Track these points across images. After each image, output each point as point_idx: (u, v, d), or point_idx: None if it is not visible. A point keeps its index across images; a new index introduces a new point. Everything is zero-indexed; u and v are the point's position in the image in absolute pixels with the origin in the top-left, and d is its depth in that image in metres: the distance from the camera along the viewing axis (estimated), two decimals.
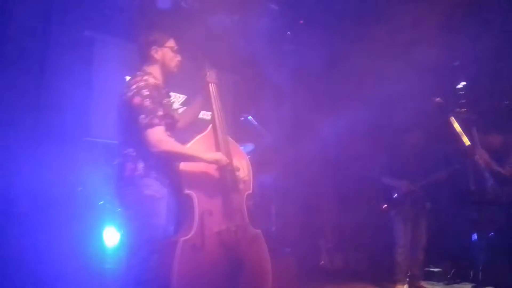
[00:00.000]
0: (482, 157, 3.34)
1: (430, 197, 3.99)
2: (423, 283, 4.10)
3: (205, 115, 3.28)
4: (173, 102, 2.66)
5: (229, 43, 4.76)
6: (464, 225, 3.77)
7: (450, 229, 4.03)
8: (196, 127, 2.79)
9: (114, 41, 4.73)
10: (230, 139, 2.73)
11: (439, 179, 3.93)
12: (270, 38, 4.92)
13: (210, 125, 2.68)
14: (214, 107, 2.67)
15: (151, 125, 2.26)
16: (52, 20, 4.15)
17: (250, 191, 2.76)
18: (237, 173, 2.63)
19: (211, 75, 2.70)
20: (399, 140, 4.06)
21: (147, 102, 2.28)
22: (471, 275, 3.88)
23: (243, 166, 2.70)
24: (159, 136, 2.28)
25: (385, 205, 4.02)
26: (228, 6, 4.47)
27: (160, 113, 2.31)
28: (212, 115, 2.68)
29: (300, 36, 4.95)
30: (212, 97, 2.67)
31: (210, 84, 2.69)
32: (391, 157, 4.07)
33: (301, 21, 4.88)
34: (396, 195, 3.97)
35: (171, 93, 3.02)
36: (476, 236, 3.39)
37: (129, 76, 4.62)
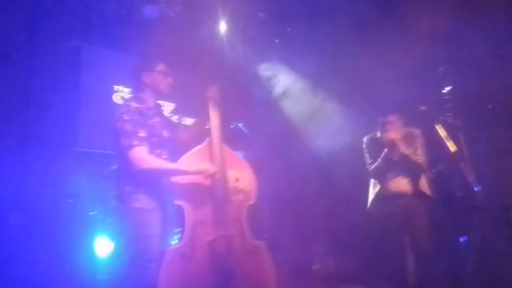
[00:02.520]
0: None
1: None
2: None
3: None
4: (157, 116, 2.69)
5: (217, 50, 4.78)
6: (451, 230, 3.79)
7: (438, 234, 4.04)
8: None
9: (101, 51, 4.72)
10: (229, 150, 2.80)
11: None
12: (258, 46, 4.96)
13: (207, 138, 2.75)
14: (212, 121, 2.76)
15: (131, 146, 2.43)
16: (38, 30, 4.13)
17: (252, 202, 2.78)
18: (236, 184, 2.69)
19: (211, 90, 2.81)
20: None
21: (127, 126, 2.45)
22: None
23: (243, 177, 2.76)
24: (139, 156, 2.43)
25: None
26: (215, 14, 4.49)
27: (142, 134, 2.47)
28: (210, 129, 2.76)
29: (288, 43, 4.99)
30: (211, 112, 2.77)
31: (209, 99, 2.79)
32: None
33: (288, 29, 4.91)
34: None
35: (161, 102, 3.06)
36: (463, 240, 3.42)
37: (117, 85, 4.76)
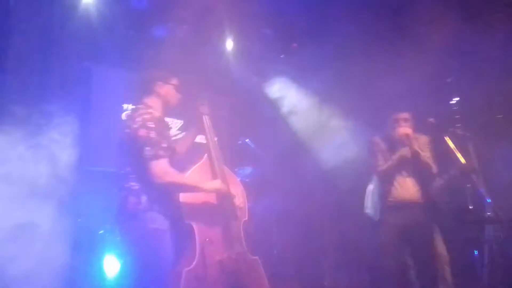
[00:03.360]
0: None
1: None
2: None
3: (201, 139, 3.35)
4: (171, 128, 2.70)
5: (224, 67, 4.84)
6: (464, 243, 3.70)
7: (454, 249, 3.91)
8: (195, 152, 2.83)
9: (112, 71, 4.80)
10: (225, 167, 2.77)
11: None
12: (264, 62, 5.00)
13: (206, 155, 2.73)
14: (208, 137, 2.73)
15: (156, 157, 2.29)
16: (50, 51, 4.21)
17: (246, 218, 2.77)
18: (234, 201, 2.67)
19: (203, 107, 2.77)
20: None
21: (153, 134, 2.31)
22: None
23: (238, 194, 2.73)
24: (164, 168, 2.31)
25: None
26: (221, 32, 4.56)
27: (165, 145, 2.34)
28: (207, 146, 2.73)
29: (294, 59, 5.02)
30: (206, 128, 2.74)
31: (203, 116, 2.76)
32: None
33: (295, 44, 4.96)
34: None
35: (168, 119, 3.08)
36: (477, 253, 3.35)
37: (127, 104, 4.82)
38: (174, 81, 2.61)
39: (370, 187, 3.51)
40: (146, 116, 2.35)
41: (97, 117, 4.57)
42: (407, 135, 3.22)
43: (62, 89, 4.16)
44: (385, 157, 3.36)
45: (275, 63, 5.08)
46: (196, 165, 2.67)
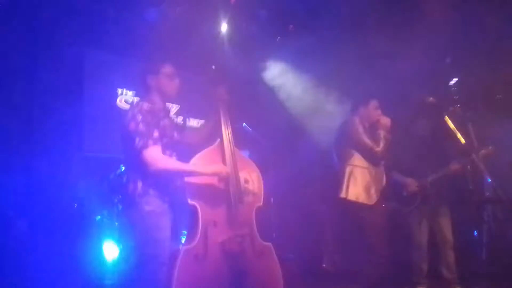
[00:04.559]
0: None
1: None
2: None
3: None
4: (168, 115, 2.69)
5: (219, 50, 4.76)
6: (463, 224, 3.67)
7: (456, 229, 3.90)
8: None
9: (104, 54, 4.72)
10: (238, 152, 2.79)
11: (453, 173, 3.60)
12: (260, 44, 4.92)
13: (218, 139, 2.75)
14: (222, 123, 2.76)
15: (145, 146, 2.39)
16: (41, 36, 4.12)
17: (261, 204, 2.79)
18: (246, 185, 2.70)
19: (220, 92, 2.81)
20: (404, 133, 3.77)
21: (141, 126, 2.41)
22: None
23: (253, 179, 2.76)
24: (154, 155, 2.40)
25: None
26: (216, 14, 4.47)
27: (156, 134, 2.43)
28: (220, 130, 2.76)
29: (291, 41, 4.94)
30: (222, 113, 2.77)
31: (220, 101, 2.79)
32: (397, 152, 3.66)
33: (292, 26, 4.88)
34: (405, 193, 3.72)
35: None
36: (476, 233, 3.35)
37: (121, 88, 4.76)
38: (166, 68, 2.59)
39: (349, 169, 3.37)
40: (135, 110, 2.47)
41: (91, 102, 4.51)
42: (388, 124, 3.27)
43: (54, 74, 4.09)
44: (370, 139, 3.32)
45: (271, 46, 5.00)
46: (206, 149, 2.68)
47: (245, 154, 4.07)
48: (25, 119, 3.97)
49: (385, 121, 3.35)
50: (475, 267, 3.52)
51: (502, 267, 3.19)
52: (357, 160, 3.37)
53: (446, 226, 3.71)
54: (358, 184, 3.32)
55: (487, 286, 2.92)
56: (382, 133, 3.32)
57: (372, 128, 3.39)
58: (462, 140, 2.83)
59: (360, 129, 3.36)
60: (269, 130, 4.80)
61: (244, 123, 4.22)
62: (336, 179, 3.40)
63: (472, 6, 3.79)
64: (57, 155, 3.92)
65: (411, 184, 3.70)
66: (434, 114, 2.94)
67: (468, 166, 3.22)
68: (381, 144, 3.30)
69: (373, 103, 3.43)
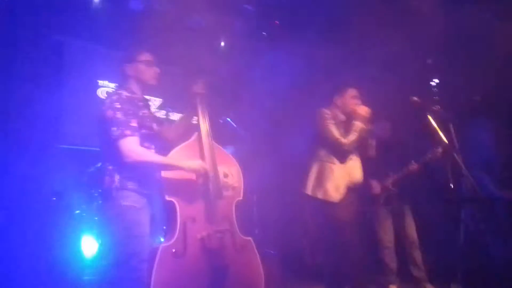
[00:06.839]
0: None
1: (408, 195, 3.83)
2: (429, 286, 3.73)
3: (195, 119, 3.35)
4: (149, 106, 2.63)
5: (204, 44, 4.70)
6: (445, 223, 3.77)
7: (431, 227, 3.99)
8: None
9: (85, 45, 4.61)
10: (217, 146, 2.75)
11: (411, 173, 3.70)
12: (245, 39, 4.89)
13: (196, 133, 2.70)
14: (200, 116, 2.72)
15: (122, 136, 2.31)
16: (19, 25, 3.98)
17: (241, 198, 2.77)
18: (225, 180, 2.67)
19: (198, 85, 2.75)
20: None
21: (119, 115, 2.33)
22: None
23: (232, 173, 2.74)
24: (131, 146, 2.32)
25: None
26: (203, 7, 4.41)
27: (134, 124, 2.35)
28: (198, 124, 2.71)
29: (276, 36, 4.93)
30: (199, 107, 2.73)
31: (197, 94, 2.74)
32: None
33: (277, 22, 4.86)
34: (368, 194, 3.74)
35: (148, 97, 2.99)
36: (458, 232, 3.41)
37: (101, 80, 4.65)
38: (144, 57, 2.52)
39: (316, 165, 3.26)
40: (113, 98, 2.39)
41: (71, 94, 4.39)
42: (366, 114, 3.17)
43: (32, 64, 3.96)
44: (338, 131, 3.19)
45: (256, 41, 4.97)
46: (184, 143, 2.64)
47: (230, 149, 4.06)
48: (1, 110, 3.84)
49: (362, 110, 3.19)
50: (451, 265, 3.60)
51: (477, 265, 3.27)
52: (324, 155, 3.23)
53: (410, 226, 3.78)
54: (324, 180, 3.17)
55: (462, 284, 2.99)
56: (356, 123, 3.16)
57: (350, 119, 3.23)
58: (444, 139, 2.88)
59: (327, 121, 3.19)
60: (253, 125, 4.78)
61: (228, 118, 4.19)
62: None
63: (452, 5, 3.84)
64: (35, 147, 3.81)
65: (375, 186, 3.76)
66: (419, 113, 2.97)
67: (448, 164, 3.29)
68: (351, 136, 3.13)
69: (350, 92, 3.26)
